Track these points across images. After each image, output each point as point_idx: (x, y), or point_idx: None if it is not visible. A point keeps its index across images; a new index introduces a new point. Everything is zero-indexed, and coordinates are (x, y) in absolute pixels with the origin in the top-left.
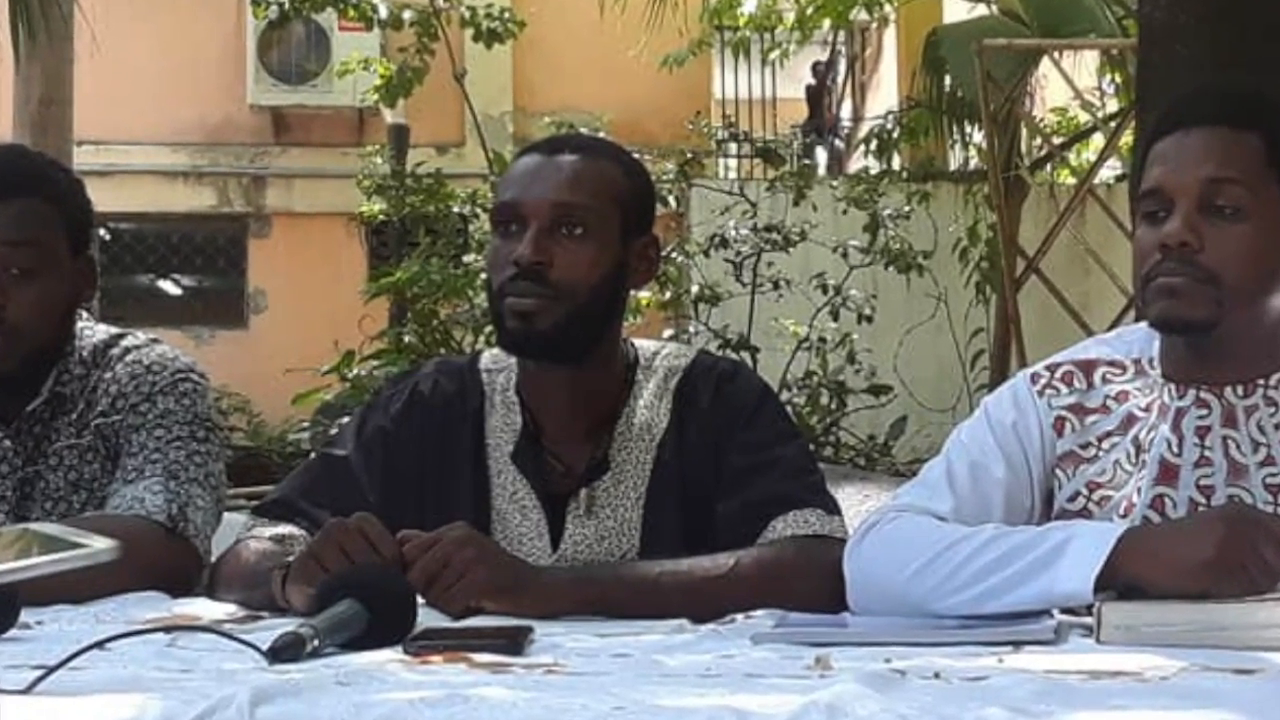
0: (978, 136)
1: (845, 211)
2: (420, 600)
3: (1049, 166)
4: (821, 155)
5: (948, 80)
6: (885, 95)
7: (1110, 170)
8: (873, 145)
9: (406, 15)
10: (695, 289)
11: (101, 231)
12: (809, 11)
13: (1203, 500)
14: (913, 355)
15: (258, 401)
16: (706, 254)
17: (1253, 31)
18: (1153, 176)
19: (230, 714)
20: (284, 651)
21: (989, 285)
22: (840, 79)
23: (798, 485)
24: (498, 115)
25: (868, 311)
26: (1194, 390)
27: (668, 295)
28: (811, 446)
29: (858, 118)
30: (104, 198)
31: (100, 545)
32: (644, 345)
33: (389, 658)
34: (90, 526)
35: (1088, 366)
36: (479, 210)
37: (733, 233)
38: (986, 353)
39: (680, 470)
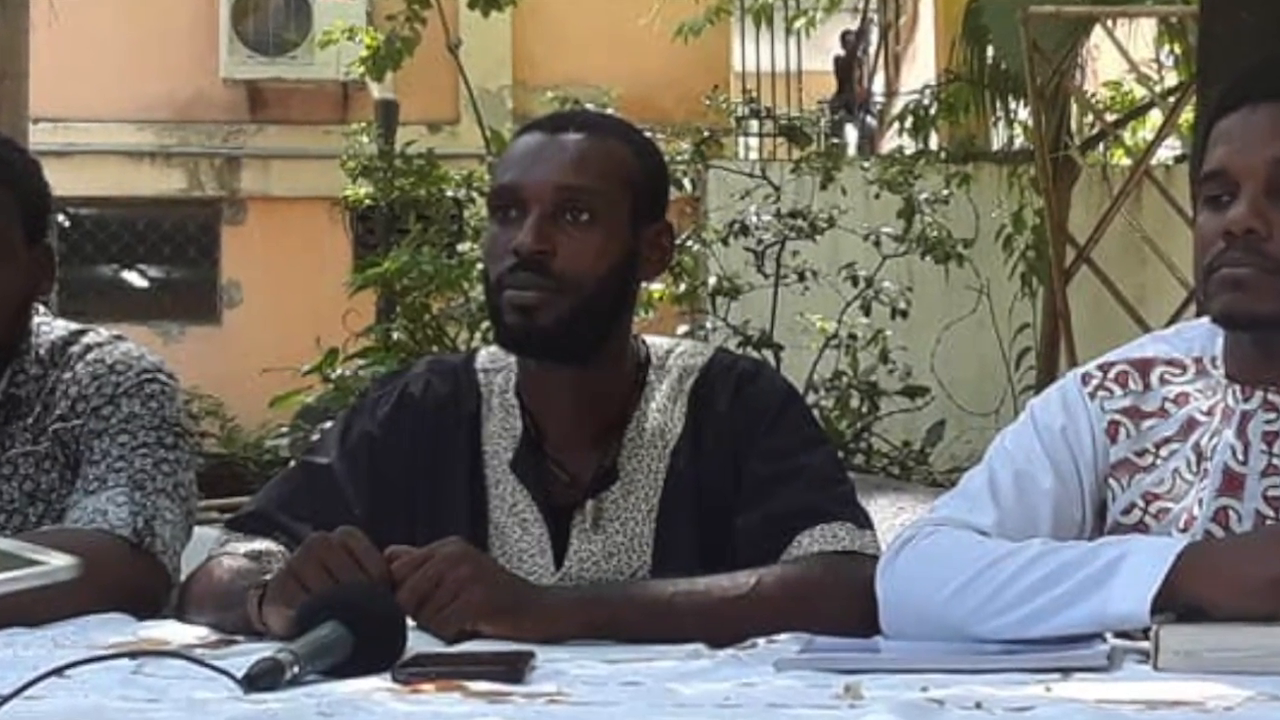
0: (1023, 113)
1: (878, 195)
2: (410, 623)
3: (1101, 146)
4: (851, 134)
5: (990, 51)
6: (922, 68)
7: (1169, 150)
8: (908, 123)
9: None
10: (713, 281)
11: (60, 217)
12: None
13: (1270, 513)
14: (952, 354)
15: (232, 404)
16: (725, 242)
17: None
18: (1216, 157)
19: None
20: (261, 679)
21: (1036, 276)
22: (872, 50)
23: (825, 496)
24: (495, 90)
25: (902, 305)
26: (1261, 392)
27: (682, 288)
28: (840, 454)
29: (891, 92)
30: (63, 180)
31: (59, 562)
32: (656, 343)
33: (376, 686)
34: (48, 542)
35: (1144, 366)
36: (475, 194)
37: (754, 219)
38: (1033, 351)
39: (696, 480)
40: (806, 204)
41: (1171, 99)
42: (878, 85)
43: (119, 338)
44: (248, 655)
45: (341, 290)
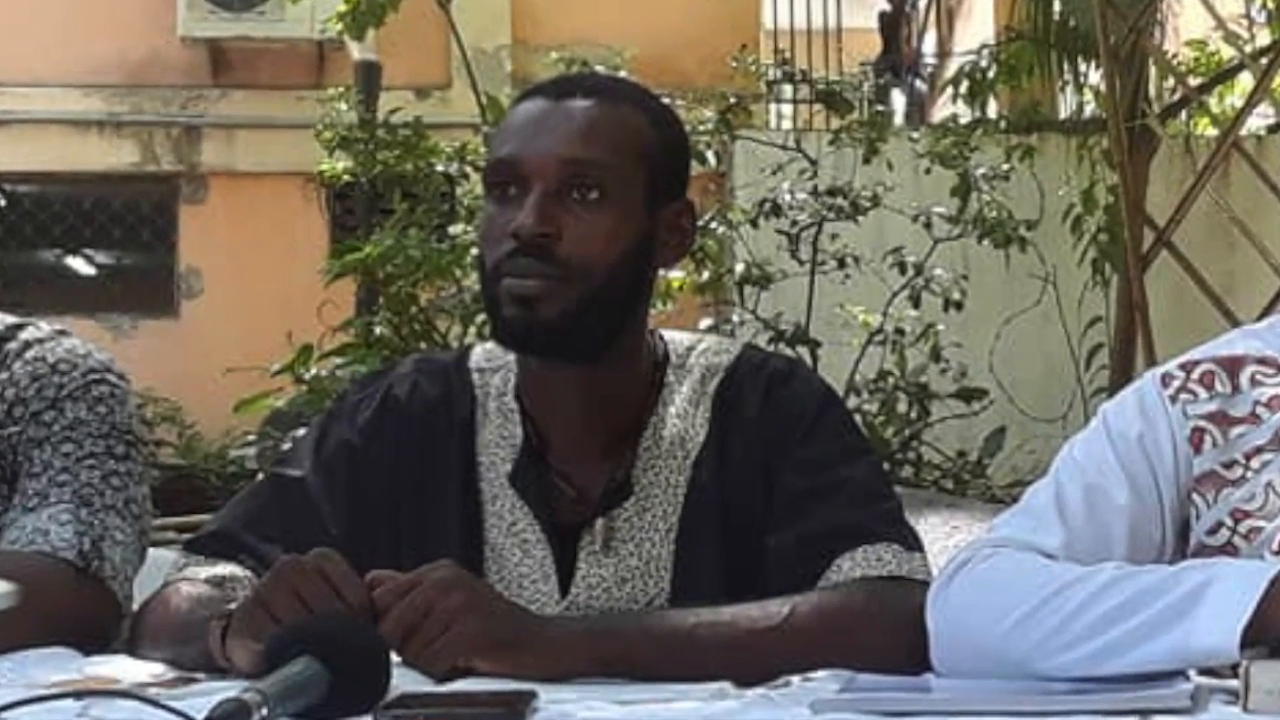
0: (1095, 77)
1: (928, 171)
2: (395, 658)
3: (1184, 114)
4: (898, 100)
5: (1057, 6)
6: (979, 25)
7: (1261, 119)
8: (963, 88)
9: None
10: (740, 268)
11: None
12: None
13: None
14: (1013, 351)
15: (191, 409)
16: (754, 224)
17: None
18: None
19: None
20: None
21: (1109, 263)
22: (922, 4)
23: (868, 514)
24: (492, 50)
25: (956, 296)
26: None
27: (705, 276)
28: (886, 465)
29: (944, 53)
30: None
31: None
32: (676, 339)
33: None
34: None
35: (1232, 365)
36: (468, 169)
37: (787, 197)
38: (1105, 348)
39: (721, 495)
40: (847, 180)
41: (1264, 60)
42: (928, 45)
43: (62, 333)
44: (209, 696)
45: (316, 279)
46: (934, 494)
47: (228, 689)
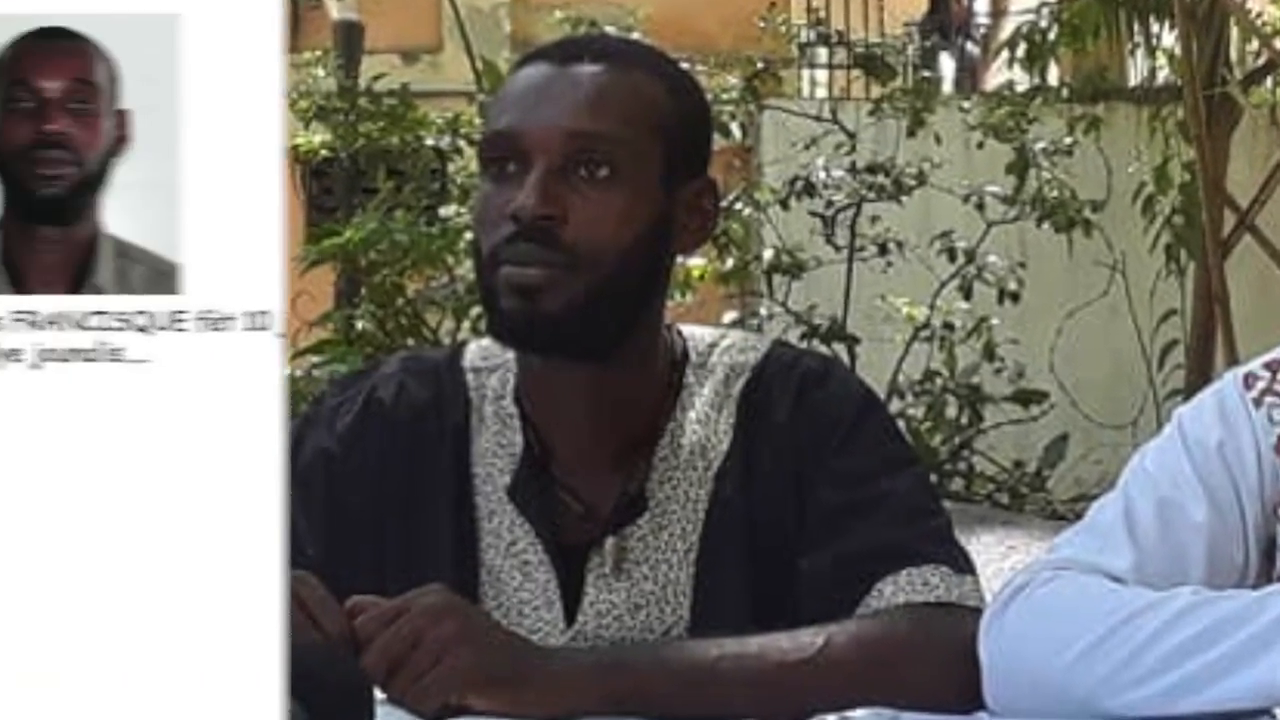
0: (1169, 39)
1: (981, 145)
2: (380, 695)
3: (1270, 81)
4: (947, 65)
5: None
6: None
7: None
8: (1020, 51)
9: None
10: (769, 254)
11: None
12: None
13: None
14: (1077, 348)
15: None
16: (785, 205)
17: None
18: None
19: None
20: None
21: (1184, 249)
22: None
23: (913, 532)
24: (488, 9)
25: (1013, 286)
26: None
27: (730, 263)
28: (934, 477)
29: (999, 12)
30: None
31: None
32: (696, 335)
33: None
34: None
35: None
36: (462, 143)
37: (822, 175)
38: (1181, 345)
39: (747, 511)
40: (889, 156)
41: None
42: (981, 2)
43: None
44: None
45: (291, 267)
46: (987, 509)
47: None
